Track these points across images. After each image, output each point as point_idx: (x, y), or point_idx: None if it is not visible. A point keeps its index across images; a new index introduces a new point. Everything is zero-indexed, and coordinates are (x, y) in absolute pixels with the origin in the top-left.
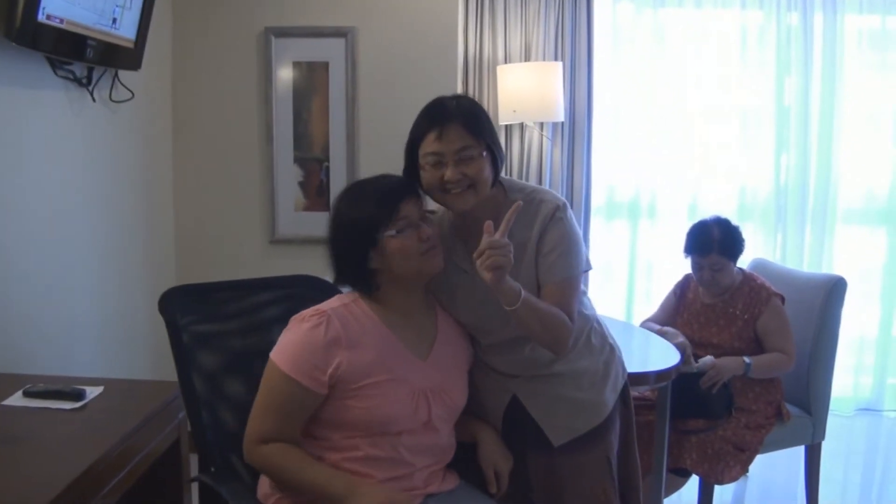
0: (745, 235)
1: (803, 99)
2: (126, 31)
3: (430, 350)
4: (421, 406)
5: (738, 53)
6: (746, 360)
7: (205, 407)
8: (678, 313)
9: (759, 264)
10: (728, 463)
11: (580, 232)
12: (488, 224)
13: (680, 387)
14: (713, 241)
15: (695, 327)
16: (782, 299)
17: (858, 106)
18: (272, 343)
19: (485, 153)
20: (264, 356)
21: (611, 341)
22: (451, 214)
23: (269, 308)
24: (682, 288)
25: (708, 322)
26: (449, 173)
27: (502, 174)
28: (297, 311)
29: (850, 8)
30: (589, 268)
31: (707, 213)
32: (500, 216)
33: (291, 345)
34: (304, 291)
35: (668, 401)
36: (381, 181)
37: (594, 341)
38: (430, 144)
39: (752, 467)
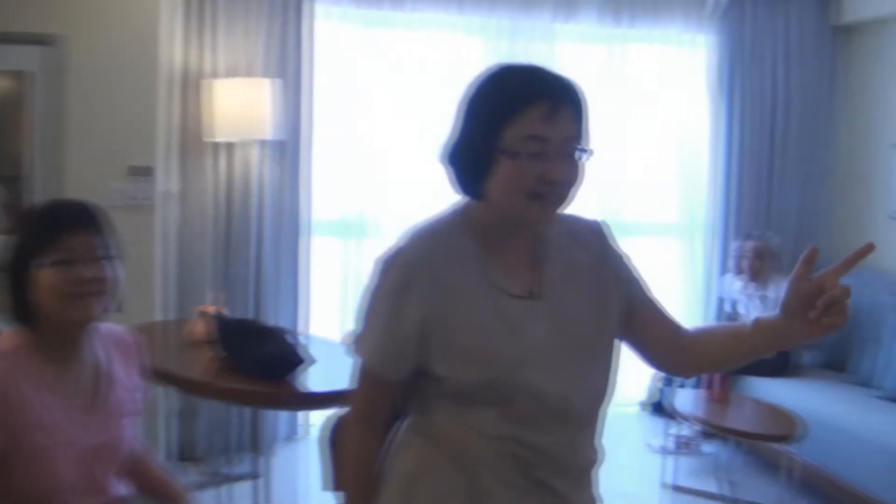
0: None
1: None
2: None
3: (95, 398)
4: (86, 469)
5: (448, 76)
6: None
7: None
8: None
9: None
10: None
11: None
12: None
13: None
14: None
15: None
16: None
17: None
18: None
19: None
20: None
21: None
22: (475, 225)
23: None
24: None
25: None
26: (559, 170)
27: None
28: None
29: (559, 38)
30: None
31: None
32: (540, 236)
33: None
34: None
35: None
36: (52, 206)
37: None
38: (535, 123)
39: None
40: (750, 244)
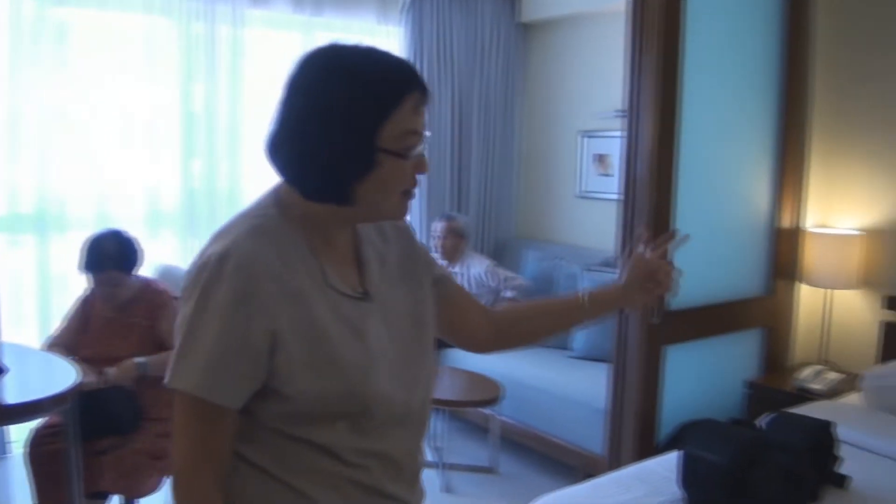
0: (157, 241)
1: (211, 105)
2: None
3: None
4: None
5: (143, 58)
6: (139, 360)
7: None
8: (84, 331)
9: (166, 271)
10: (147, 474)
11: None
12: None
13: (84, 406)
14: (107, 257)
15: (101, 344)
16: None
17: (260, 114)
18: None
19: None
20: None
21: None
22: (297, 220)
23: None
24: (86, 303)
25: (113, 336)
26: (427, 163)
27: None
28: None
29: (251, 23)
30: None
31: (118, 221)
32: (357, 232)
33: None
34: None
35: (75, 424)
36: None
37: None
38: (409, 117)
39: None
40: (440, 225)
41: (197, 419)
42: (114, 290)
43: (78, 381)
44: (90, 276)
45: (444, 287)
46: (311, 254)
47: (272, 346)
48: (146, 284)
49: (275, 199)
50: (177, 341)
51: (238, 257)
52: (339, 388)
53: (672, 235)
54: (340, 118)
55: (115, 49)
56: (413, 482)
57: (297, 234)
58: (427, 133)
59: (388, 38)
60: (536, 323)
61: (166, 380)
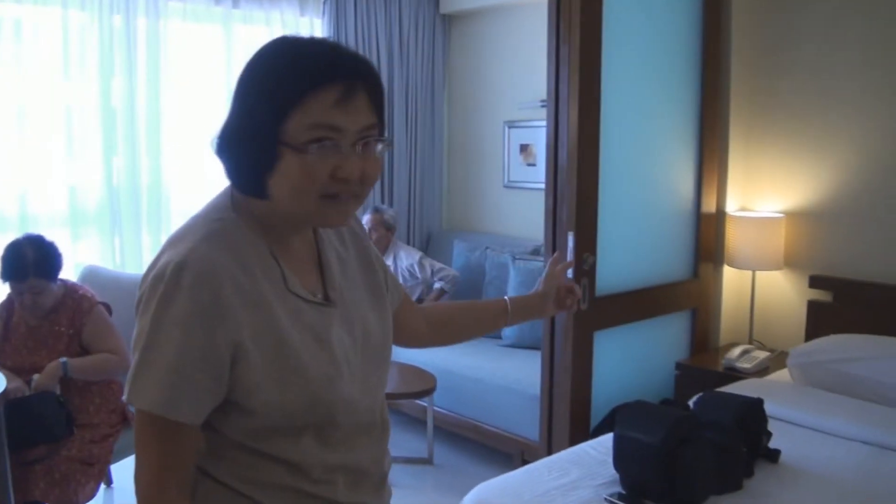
0: (80, 241)
1: (130, 100)
2: None
3: None
4: None
5: (60, 52)
6: (62, 360)
7: None
8: (6, 340)
9: (91, 272)
10: (80, 481)
11: None
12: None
13: (12, 416)
14: (28, 265)
15: (24, 353)
16: (108, 307)
17: (181, 108)
18: None
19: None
20: None
21: None
22: (256, 223)
23: None
24: (6, 311)
25: (38, 345)
26: (354, 166)
27: None
28: None
29: (169, 15)
30: None
31: (40, 221)
32: (317, 233)
33: None
34: None
35: (2, 433)
36: None
37: None
38: (324, 111)
39: (117, 477)
40: (367, 217)
41: (158, 437)
42: (36, 299)
43: (2, 389)
44: (11, 285)
45: (393, 287)
46: (271, 257)
47: (234, 357)
48: (68, 290)
49: (231, 200)
50: (134, 357)
51: (196, 266)
52: (303, 398)
53: (570, 264)
54: (252, 104)
55: (32, 43)
56: (380, 486)
57: (256, 237)
58: (376, 135)
59: (311, 29)
60: (467, 324)
61: (124, 397)
